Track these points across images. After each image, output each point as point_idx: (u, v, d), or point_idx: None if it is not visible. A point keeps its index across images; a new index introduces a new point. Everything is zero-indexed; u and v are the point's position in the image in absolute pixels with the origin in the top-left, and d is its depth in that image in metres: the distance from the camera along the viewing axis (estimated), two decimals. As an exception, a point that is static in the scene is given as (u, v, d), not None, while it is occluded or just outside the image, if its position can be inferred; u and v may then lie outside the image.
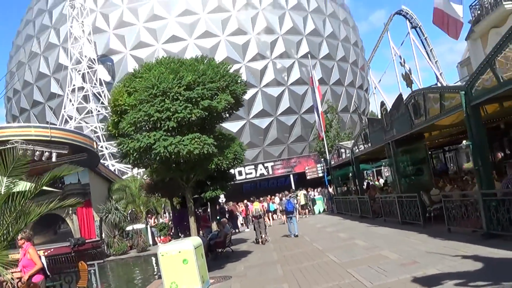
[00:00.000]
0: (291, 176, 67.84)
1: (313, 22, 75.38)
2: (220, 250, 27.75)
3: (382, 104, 30.45)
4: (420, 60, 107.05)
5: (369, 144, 34.52)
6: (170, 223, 49.56)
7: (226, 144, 26.33)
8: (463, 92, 18.27)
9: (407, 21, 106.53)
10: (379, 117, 32.37)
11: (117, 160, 63.96)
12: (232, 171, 34.45)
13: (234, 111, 26.06)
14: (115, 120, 24.90)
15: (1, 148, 38.03)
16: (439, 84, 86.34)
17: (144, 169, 48.87)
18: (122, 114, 24.14)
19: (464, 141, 19.34)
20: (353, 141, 43.44)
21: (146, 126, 22.75)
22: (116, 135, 24.47)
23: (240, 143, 29.76)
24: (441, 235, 20.48)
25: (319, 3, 78.45)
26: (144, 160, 24.03)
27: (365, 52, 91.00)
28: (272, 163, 68.87)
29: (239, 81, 24.83)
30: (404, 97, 25.81)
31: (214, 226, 31.88)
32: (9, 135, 39.79)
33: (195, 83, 22.78)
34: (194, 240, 19.77)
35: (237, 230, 45.04)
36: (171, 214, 46.08)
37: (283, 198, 45.01)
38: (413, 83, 24.37)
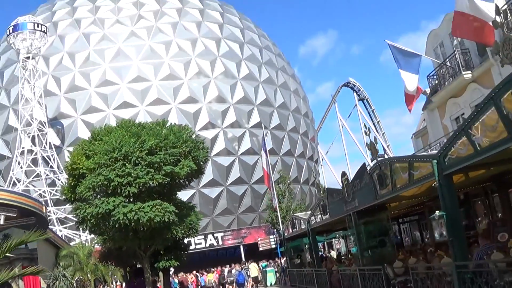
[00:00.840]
0: (241, 247, 66.87)
1: (264, 92, 75.60)
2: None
3: (344, 174, 30.00)
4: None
5: (328, 215, 33.92)
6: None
7: (186, 213, 25.61)
8: (435, 161, 17.92)
9: (355, 93, 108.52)
10: (339, 187, 31.94)
11: (65, 226, 62.76)
12: (185, 240, 33.75)
13: (194, 178, 25.49)
14: (72, 184, 24.09)
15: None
16: (386, 156, 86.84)
17: (94, 236, 47.79)
18: (79, 178, 23.36)
19: (437, 212, 18.82)
20: (309, 212, 43.00)
21: (105, 191, 22.05)
22: (72, 199, 23.61)
23: (196, 212, 29.03)
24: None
25: (271, 73, 78.87)
26: (102, 227, 23.20)
27: (315, 123, 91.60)
28: (222, 234, 67.95)
29: (201, 147, 24.42)
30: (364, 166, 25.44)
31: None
32: (-43, 198, 38.55)
33: (157, 148, 22.23)
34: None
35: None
36: (123, 285, 45.00)
37: (233, 270, 44.22)
38: (378, 152, 23.96)
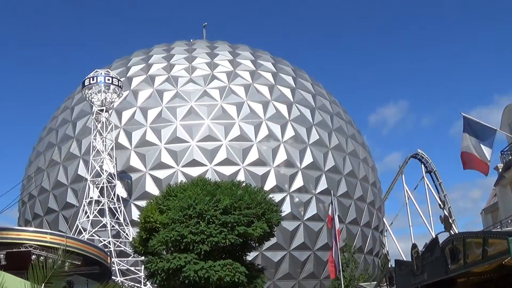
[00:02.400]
0: (301, 313, 66.15)
1: (333, 159, 75.25)
2: None
3: (414, 246, 29.53)
4: (433, 205, 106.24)
5: (394, 287, 33.37)
6: None
7: (255, 275, 25.37)
8: (511, 238, 17.50)
9: (422, 165, 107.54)
10: (402, 259, 31.40)
11: (126, 277, 62.89)
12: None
13: (265, 241, 25.29)
14: (143, 237, 24.14)
15: (15, 250, 37.41)
16: (451, 232, 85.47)
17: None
18: (151, 232, 23.43)
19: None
20: (373, 282, 42.41)
21: (177, 247, 21.99)
22: (142, 252, 23.65)
23: (263, 275, 28.76)
24: None
25: (340, 140, 78.64)
26: (171, 282, 23.11)
27: (382, 193, 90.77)
28: (282, 299, 67.24)
29: (274, 210, 24.28)
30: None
31: None
32: (24, 239, 39.05)
33: (232, 208, 22.18)
34: None
35: None
36: None
37: None
38: (452, 227, 23.58)
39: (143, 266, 60.84)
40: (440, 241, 24.81)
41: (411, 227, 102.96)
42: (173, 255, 22.41)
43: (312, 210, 71.07)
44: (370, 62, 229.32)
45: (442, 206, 29.60)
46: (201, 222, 22.17)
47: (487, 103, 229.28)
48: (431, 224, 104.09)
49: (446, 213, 27.05)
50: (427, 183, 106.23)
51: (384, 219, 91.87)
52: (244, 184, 25.68)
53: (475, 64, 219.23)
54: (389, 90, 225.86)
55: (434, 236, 31.83)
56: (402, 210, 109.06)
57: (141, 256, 22.85)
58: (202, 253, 22.25)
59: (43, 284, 13.81)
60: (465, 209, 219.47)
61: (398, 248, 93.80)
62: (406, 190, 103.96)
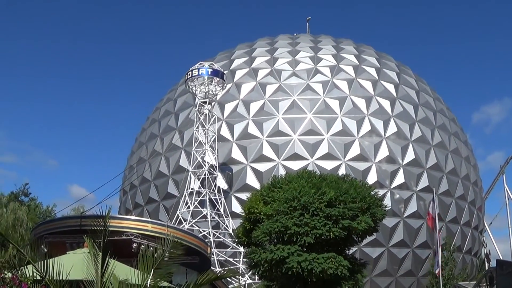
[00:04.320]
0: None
1: (435, 156, 74.33)
2: None
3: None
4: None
5: (495, 287, 32.85)
6: None
7: (357, 269, 25.37)
8: None
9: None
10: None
11: (224, 268, 63.61)
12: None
13: (369, 235, 25.23)
14: (247, 228, 24.40)
15: (117, 238, 38.34)
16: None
17: (253, 282, 48.12)
18: (256, 223, 23.66)
19: None
20: (473, 282, 41.80)
21: (281, 238, 22.14)
22: (245, 242, 23.91)
23: (364, 271, 28.71)
24: None
25: (443, 137, 77.60)
26: (273, 273, 23.28)
27: (483, 193, 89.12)
28: (381, 296, 66.92)
29: (379, 205, 24.19)
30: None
31: None
32: (126, 227, 40.01)
33: (337, 201, 22.21)
34: None
35: None
36: None
37: None
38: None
39: (241, 257, 61.79)
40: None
41: (510, 228, 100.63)
42: (276, 246, 22.57)
43: (412, 207, 70.52)
44: (475, 60, 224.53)
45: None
46: (305, 214, 22.26)
47: None
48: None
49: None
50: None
51: (484, 219, 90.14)
52: (350, 178, 25.64)
53: None
54: (493, 88, 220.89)
55: None
56: (502, 211, 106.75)
57: (244, 247, 23.03)
58: (306, 245, 22.33)
59: (152, 271, 14.32)
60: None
61: (496, 249, 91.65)
62: (507, 190, 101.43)
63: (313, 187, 23.35)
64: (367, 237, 25.91)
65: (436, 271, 51.80)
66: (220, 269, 62.42)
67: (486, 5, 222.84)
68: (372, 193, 25.12)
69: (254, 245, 23.24)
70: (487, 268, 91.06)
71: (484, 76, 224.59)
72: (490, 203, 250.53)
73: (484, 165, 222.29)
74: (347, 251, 26.07)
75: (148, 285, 14.00)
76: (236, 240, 28.99)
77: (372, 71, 78.54)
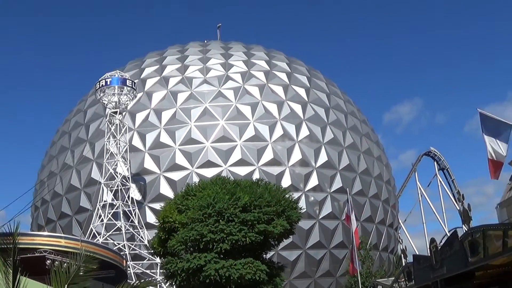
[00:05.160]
0: (318, 312, 66.14)
1: (348, 158, 75.19)
2: None
3: (432, 240, 29.39)
4: (446, 202, 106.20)
5: (413, 282, 33.26)
6: None
7: (275, 273, 25.25)
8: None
9: (435, 163, 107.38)
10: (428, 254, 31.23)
11: (142, 280, 62.77)
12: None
13: (285, 238, 25.13)
14: (162, 238, 23.97)
15: (30, 255, 37.37)
16: (464, 227, 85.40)
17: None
18: (170, 232, 23.27)
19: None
20: (391, 278, 42.34)
21: (197, 246, 21.80)
22: (161, 253, 23.44)
23: (282, 274, 28.66)
24: None
25: (355, 139, 78.62)
26: (191, 282, 22.92)
27: (396, 191, 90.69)
28: (299, 297, 67.18)
29: (294, 207, 24.15)
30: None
31: None
32: (38, 244, 39.02)
33: (252, 206, 22.03)
34: None
35: None
36: None
37: None
38: (471, 220, 23.40)
39: (158, 268, 61.16)
40: (459, 235, 24.73)
41: (424, 224, 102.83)
42: (193, 255, 22.27)
43: (327, 209, 71.09)
44: (385, 61, 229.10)
45: (461, 200, 29.44)
46: (220, 220, 22.04)
47: (501, 100, 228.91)
48: (445, 221, 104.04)
49: (465, 207, 26.78)
50: (440, 180, 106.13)
51: (398, 216, 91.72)
52: (263, 182, 25.56)
53: (489, 61, 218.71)
54: (403, 88, 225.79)
55: (447, 232, 31.72)
56: (416, 208, 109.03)
57: (159, 257, 22.53)
58: (222, 252, 22.09)
59: (65, 287, 13.86)
60: (479, 204, 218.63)
61: (412, 245, 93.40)
62: (419, 188, 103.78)
63: (227, 193, 23.14)
64: (284, 240, 25.81)
65: (351, 269, 52.36)
66: (137, 282, 61.63)
67: (394, 6, 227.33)
68: (287, 196, 25.11)
69: (170, 255, 22.85)
70: (404, 264, 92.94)
71: (394, 77, 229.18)
72: (403, 200, 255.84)
73: (396, 164, 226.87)
74: (264, 256, 25.93)
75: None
76: (152, 251, 28.52)
77: (283, 76, 78.98)
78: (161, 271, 60.91)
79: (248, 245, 22.68)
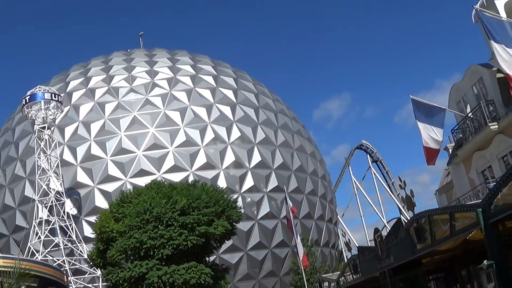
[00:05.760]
0: (264, 314, 65.92)
1: (281, 156, 75.16)
2: None
3: (376, 230, 29.24)
4: (382, 193, 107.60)
5: (359, 274, 33.07)
6: None
7: (220, 275, 24.79)
8: (480, 209, 17.35)
9: (368, 155, 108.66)
10: (371, 244, 31.12)
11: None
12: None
13: (226, 240, 24.68)
14: (101, 248, 23.27)
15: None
16: (402, 217, 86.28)
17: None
18: (109, 242, 22.56)
19: (484, 261, 18.20)
20: (337, 272, 42.30)
21: (137, 254, 21.14)
22: (101, 264, 22.72)
23: (227, 276, 28.26)
24: None
25: (287, 137, 78.63)
26: (135, 291, 22.37)
27: (332, 186, 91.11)
28: (244, 299, 66.86)
29: (234, 207, 23.71)
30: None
31: None
32: (-27, 265, 37.81)
33: (190, 208, 21.51)
34: None
35: None
36: None
37: None
38: (415, 206, 23.27)
39: (100, 282, 60.17)
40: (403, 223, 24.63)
41: (362, 217, 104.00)
42: (133, 263, 21.60)
43: (265, 209, 70.88)
44: (309, 59, 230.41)
45: (403, 187, 29.30)
46: (159, 226, 21.48)
47: (429, 88, 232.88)
48: (382, 212, 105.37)
49: (408, 193, 26.74)
50: (374, 173, 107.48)
51: (336, 210, 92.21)
52: (200, 183, 25.07)
53: (414, 51, 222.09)
54: (330, 84, 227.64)
55: (386, 224, 31.68)
56: (352, 201, 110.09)
57: (100, 268, 21.74)
58: (164, 257, 21.52)
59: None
60: (416, 193, 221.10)
61: (352, 238, 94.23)
62: (354, 181, 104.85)
63: (164, 197, 22.60)
64: (226, 241, 25.33)
65: (301, 266, 52.30)
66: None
67: (315, 2, 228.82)
68: (225, 196, 24.69)
69: (111, 265, 22.13)
70: (345, 257, 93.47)
71: (320, 74, 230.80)
72: (339, 196, 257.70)
73: (330, 160, 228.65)
74: (207, 259, 25.45)
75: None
76: (91, 263, 27.71)
77: (210, 79, 78.63)
78: (104, 284, 60.07)
79: (190, 249, 22.17)
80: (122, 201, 23.93)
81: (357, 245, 49.25)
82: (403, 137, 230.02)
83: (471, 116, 36.45)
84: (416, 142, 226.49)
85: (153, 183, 25.64)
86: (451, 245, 22.52)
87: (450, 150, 42.44)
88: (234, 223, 24.14)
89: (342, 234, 63.07)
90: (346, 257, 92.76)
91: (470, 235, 22.36)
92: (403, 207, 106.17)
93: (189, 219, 21.74)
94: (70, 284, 57.33)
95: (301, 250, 51.10)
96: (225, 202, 23.75)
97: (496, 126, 33.64)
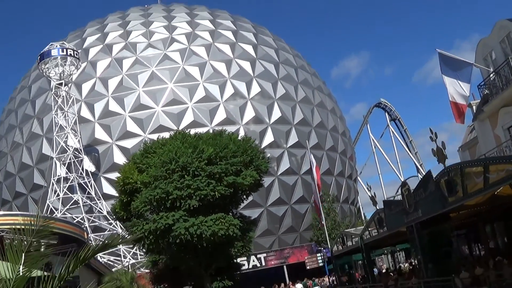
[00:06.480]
0: (285, 267, 65.39)
1: (301, 112, 74.29)
2: None
3: (404, 184, 28.24)
4: (400, 152, 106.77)
5: (385, 229, 32.17)
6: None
7: (248, 227, 24.01)
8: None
9: (386, 114, 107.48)
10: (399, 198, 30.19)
11: (105, 252, 61.46)
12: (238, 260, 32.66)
13: (253, 192, 23.88)
14: (124, 201, 22.46)
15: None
16: (419, 176, 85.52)
17: (140, 260, 46.57)
18: (133, 194, 21.75)
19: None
20: (360, 227, 41.50)
21: (163, 205, 20.31)
22: (125, 217, 21.87)
23: (254, 228, 27.53)
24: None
25: (307, 92, 77.65)
26: (160, 244, 21.44)
27: (352, 142, 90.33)
28: (265, 254, 66.40)
29: (262, 157, 22.82)
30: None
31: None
32: (-5, 224, 37.30)
33: (217, 158, 20.65)
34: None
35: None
36: None
37: None
38: (446, 158, 22.31)
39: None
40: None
41: (380, 175, 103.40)
42: (159, 215, 20.78)
43: (285, 164, 70.26)
44: (329, 17, 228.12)
45: (434, 139, 28.31)
46: (185, 176, 20.62)
47: (448, 48, 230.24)
48: (400, 170, 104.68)
49: (439, 145, 25.74)
50: (392, 131, 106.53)
51: (356, 167, 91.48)
52: (227, 133, 24.24)
53: (433, 11, 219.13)
54: (349, 42, 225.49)
55: (403, 180, 30.68)
56: (370, 159, 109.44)
57: (123, 221, 20.90)
58: (191, 209, 20.69)
59: (21, 265, 12.36)
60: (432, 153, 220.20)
61: (369, 196, 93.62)
62: (372, 139, 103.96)
63: (190, 147, 21.67)
64: (252, 193, 24.49)
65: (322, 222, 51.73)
66: (100, 253, 60.31)
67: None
68: (253, 145, 23.85)
69: (137, 217, 21.26)
70: (362, 214, 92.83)
71: (340, 32, 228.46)
72: (357, 154, 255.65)
73: (348, 118, 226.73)
74: (235, 211, 24.69)
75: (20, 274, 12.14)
76: (114, 217, 26.98)
77: (229, 34, 77.46)
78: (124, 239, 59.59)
79: (217, 200, 21.34)
80: (146, 152, 23.09)
81: (383, 199, 48.34)
82: (421, 96, 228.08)
83: (499, 72, 35.35)
84: (433, 102, 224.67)
85: (178, 133, 24.69)
86: (479, 199, 21.74)
87: (474, 107, 41.31)
88: (262, 174, 23.21)
89: (368, 188, 62.03)
90: (364, 214, 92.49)
91: (498, 190, 21.50)
92: (420, 165, 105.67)
93: (216, 169, 20.85)
94: (90, 241, 56.94)
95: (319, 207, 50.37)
96: (253, 152, 22.84)
97: (525, 82, 32.61)
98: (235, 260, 30.95)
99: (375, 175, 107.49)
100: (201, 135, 23.79)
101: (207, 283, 24.37)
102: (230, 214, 21.91)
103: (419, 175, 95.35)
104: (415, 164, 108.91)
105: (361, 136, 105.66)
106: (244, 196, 24.54)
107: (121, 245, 60.90)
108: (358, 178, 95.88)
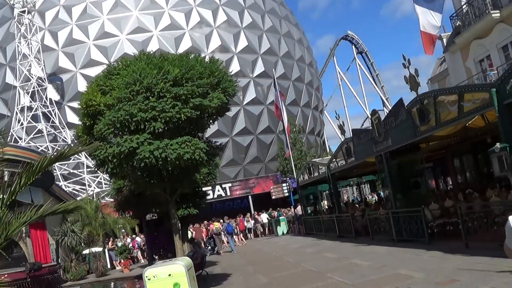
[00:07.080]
0: (250, 197, 65.56)
1: (268, 41, 73.60)
2: (196, 273, 23.79)
3: (374, 112, 27.92)
4: (366, 85, 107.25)
5: (353, 158, 31.96)
6: (130, 246, 47.48)
7: (214, 152, 23.60)
8: (494, 89, 16.06)
9: (353, 46, 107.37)
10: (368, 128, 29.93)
11: (69, 181, 61.09)
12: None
13: (220, 116, 23.40)
14: (87, 124, 21.83)
15: None
16: (385, 110, 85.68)
17: (105, 188, 46.06)
18: (96, 116, 21.12)
19: (497, 144, 17.09)
20: (327, 157, 41.41)
21: (127, 128, 19.75)
22: (88, 141, 21.32)
23: (220, 153, 27.33)
24: (460, 251, 18.29)
25: (274, 22, 76.84)
26: (124, 168, 20.94)
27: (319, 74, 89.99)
28: (230, 184, 66.52)
29: (230, 79, 22.31)
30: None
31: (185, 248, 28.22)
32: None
33: (183, 79, 20.06)
34: (184, 261, 17.14)
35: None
36: (141, 235, 44.77)
37: (223, 223, 45.32)
38: (419, 86, 21.93)
39: (85, 167, 59.29)
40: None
41: (346, 108, 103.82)
42: (123, 138, 20.23)
43: (251, 94, 70.14)
44: None
45: (406, 66, 27.81)
46: (150, 97, 20.01)
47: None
48: (365, 103, 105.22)
49: (412, 72, 25.25)
50: (359, 64, 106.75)
51: (322, 98, 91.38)
52: (194, 54, 23.63)
53: None
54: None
55: (369, 115, 30.34)
56: (336, 92, 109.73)
57: (87, 145, 20.45)
58: (156, 132, 20.17)
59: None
60: (399, 87, 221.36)
61: (334, 129, 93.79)
62: (339, 72, 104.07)
63: (155, 68, 21.03)
64: (219, 118, 24.03)
65: (287, 153, 51.61)
66: (64, 182, 60.03)
67: None
68: (221, 67, 23.32)
69: (100, 140, 20.74)
70: (327, 146, 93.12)
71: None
72: (323, 86, 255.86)
73: (314, 50, 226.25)
74: (201, 135, 24.27)
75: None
76: (77, 141, 26.53)
77: (195, -38, 75.88)
78: (88, 169, 59.31)
79: (183, 123, 20.79)
80: (110, 73, 22.37)
81: (352, 128, 48.22)
82: (389, 30, 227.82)
83: (472, 3, 35.02)
84: (400, 36, 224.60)
85: (143, 53, 23.95)
86: (451, 130, 21.56)
87: (445, 40, 41.12)
88: (229, 97, 22.73)
89: (336, 117, 61.83)
90: (329, 146, 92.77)
91: (470, 122, 21.27)
92: (386, 99, 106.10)
93: (182, 90, 20.25)
94: (54, 170, 56.40)
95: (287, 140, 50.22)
96: (221, 74, 22.25)
97: (498, 14, 32.47)
98: (201, 188, 30.53)
99: (341, 107, 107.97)
100: (167, 56, 23.08)
101: (172, 210, 23.93)
102: (197, 138, 21.45)
103: (385, 108, 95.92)
104: (381, 97, 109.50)
105: (327, 69, 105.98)
106: (211, 121, 24.05)
107: (86, 174, 60.62)
108: (324, 110, 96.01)
